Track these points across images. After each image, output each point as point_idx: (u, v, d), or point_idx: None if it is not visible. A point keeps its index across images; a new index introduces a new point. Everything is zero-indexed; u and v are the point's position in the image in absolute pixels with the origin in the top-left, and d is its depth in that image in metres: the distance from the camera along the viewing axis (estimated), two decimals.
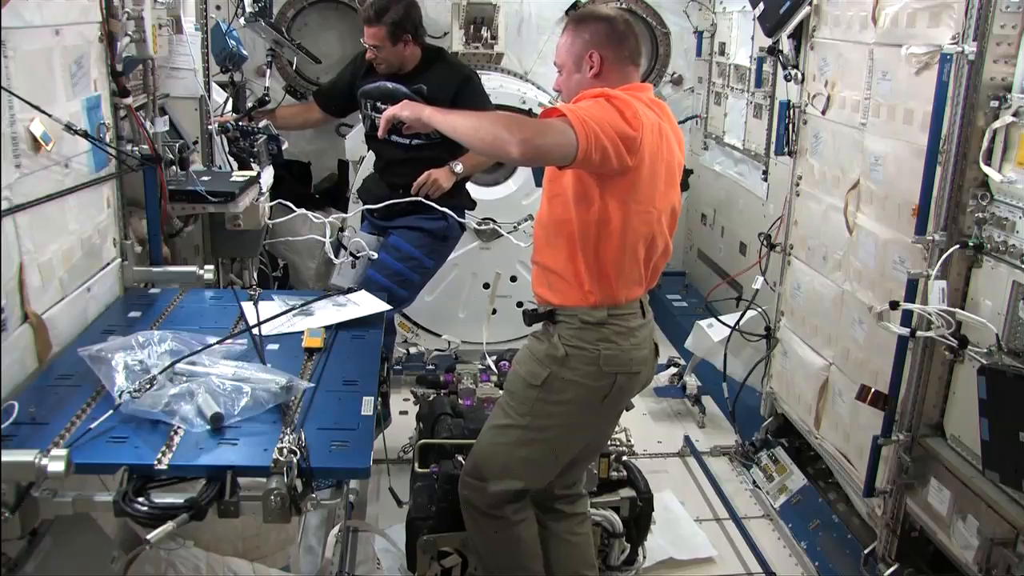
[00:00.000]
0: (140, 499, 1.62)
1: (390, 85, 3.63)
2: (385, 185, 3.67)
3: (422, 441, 2.94)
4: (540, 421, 2.40)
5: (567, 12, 5.25)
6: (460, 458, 2.77)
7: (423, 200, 3.56)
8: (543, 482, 2.56)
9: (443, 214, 3.68)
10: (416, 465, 2.91)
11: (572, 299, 2.35)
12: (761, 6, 3.63)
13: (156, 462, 1.67)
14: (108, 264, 2.54)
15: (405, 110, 2.32)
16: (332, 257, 3.42)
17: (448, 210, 3.67)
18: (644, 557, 3.09)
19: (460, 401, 3.16)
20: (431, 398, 3.31)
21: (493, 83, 4.48)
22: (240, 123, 3.53)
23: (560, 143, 2.08)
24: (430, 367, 3.53)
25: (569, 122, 2.08)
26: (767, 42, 3.77)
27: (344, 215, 4.07)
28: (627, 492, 2.97)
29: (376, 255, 3.57)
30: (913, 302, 2.60)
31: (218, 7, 4.01)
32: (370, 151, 4.11)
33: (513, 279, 4.68)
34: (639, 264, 2.37)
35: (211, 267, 2.75)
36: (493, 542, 2.55)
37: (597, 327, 2.34)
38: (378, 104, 3.66)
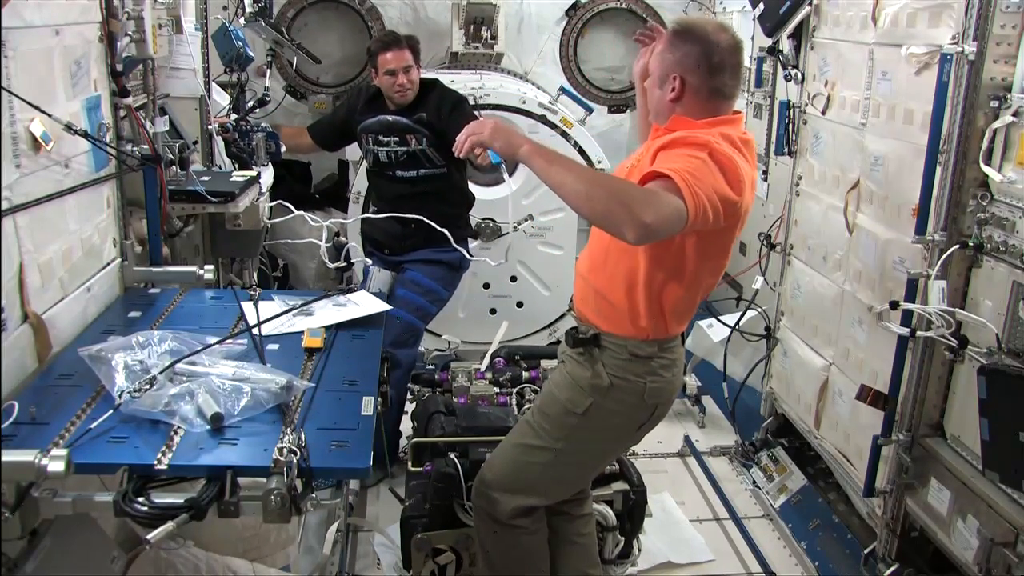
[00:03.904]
0: (140, 499, 1.62)
1: (390, 118, 3.65)
2: (394, 222, 3.61)
3: (414, 440, 2.95)
4: (574, 446, 2.37)
5: (567, 12, 5.25)
6: (453, 456, 2.77)
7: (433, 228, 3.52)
8: (565, 497, 2.57)
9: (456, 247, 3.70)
10: (410, 464, 2.92)
11: (624, 329, 2.27)
12: (761, 6, 3.63)
13: (156, 462, 1.67)
14: (108, 264, 2.54)
15: (497, 140, 2.06)
16: (327, 262, 3.42)
17: (458, 243, 3.69)
18: (639, 550, 3.08)
19: (454, 399, 3.16)
20: (425, 396, 3.31)
21: (493, 83, 4.48)
22: (239, 123, 3.53)
23: (672, 219, 1.89)
24: (430, 367, 3.53)
25: (678, 190, 1.90)
26: (767, 42, 3.77)
27: (344, 220, 4.08)
28: (619, 485, 2.97)
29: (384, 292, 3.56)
30: (913, 302, 2.60)
31: (224, 7, 4.01)
32: (371, 188, 4.11)
33: (513, 279, 4.68)
34: (695, 304, 2.34)
35: (211, 267, 2.74)
36: (507, 550, 2.52)
37: (646, 360, 2.27)
38: (380, 137, 3.68)
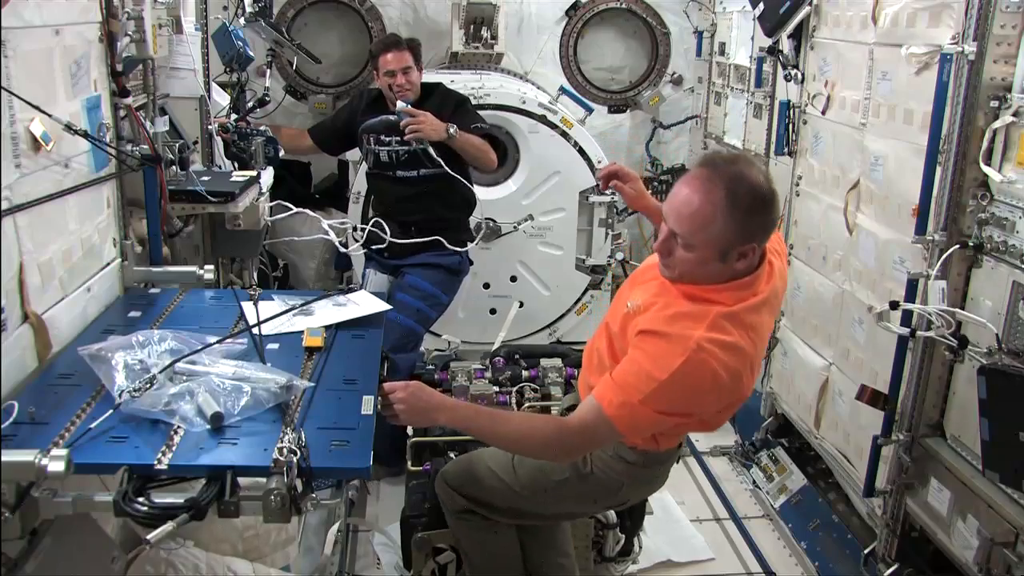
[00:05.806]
0: (140, 499, 1.62)
1: (392, 117, 3.65)
2: (396, 224, 3.64)
3: (413, 439, 2.95)
4: (536, 499, 2.40)
5: (567, 12, 5.25)
6: (453, 455, 2.77)
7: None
8: (513, 523, 2.58)
9: (455, 249, 3.72)
10: (409, 464, 2.92)
11: None
12: (761, 6, 3.64)
13: (156, 462, 1.67)
14: (108, 264, 2.54)
15: (412, 418, 2.09)
16: (340, 248, 3.44)
17: (458, 247, 3.73)
18: (640, 548, 3.08)
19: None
20: None
21: (493, 83, 4.47)
22: (238, 125, 3.53)
23: (602, 443, 2.14)
24: (430, 367, 3.53)
25: (611, 422, 1.96)
26: (767, 42, 3.77)
27: (345, 225, 4.07)
28: None
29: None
30: (913, 302, 2.60)
31: (224, 7, 4.02)
32: (371, 190, 4.11)
33: (513, 279, 4.68)
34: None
35: (211, 267, 2.74)
36: (469, 538, 2.58)
37: (630, 464, 2.29)
38: (381, 137, 3.69)
